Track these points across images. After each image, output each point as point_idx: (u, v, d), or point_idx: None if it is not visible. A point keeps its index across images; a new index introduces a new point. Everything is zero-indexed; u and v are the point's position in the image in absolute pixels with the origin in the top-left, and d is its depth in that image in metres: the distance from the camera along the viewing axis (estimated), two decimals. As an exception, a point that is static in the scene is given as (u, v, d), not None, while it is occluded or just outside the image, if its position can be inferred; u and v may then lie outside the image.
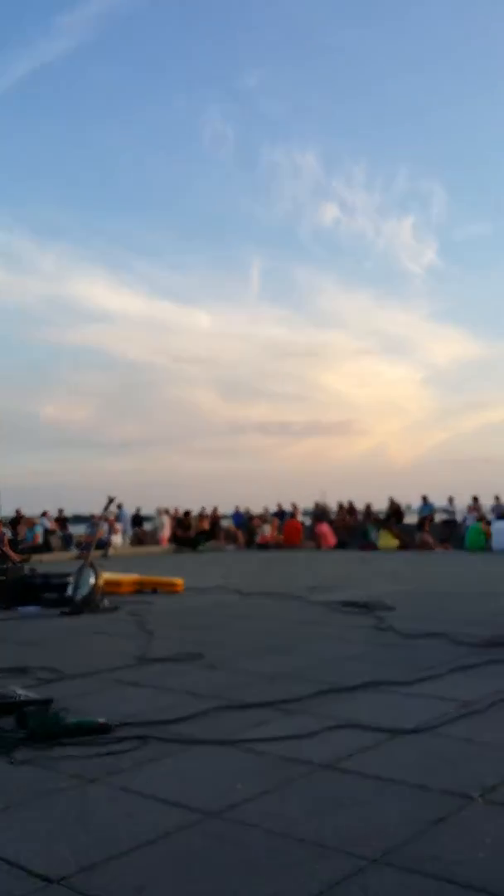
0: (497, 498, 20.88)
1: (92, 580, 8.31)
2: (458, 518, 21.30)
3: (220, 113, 63.65)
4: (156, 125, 58.84)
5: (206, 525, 22.63)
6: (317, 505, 24.05)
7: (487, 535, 18.35)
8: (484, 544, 18.18)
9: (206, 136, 61.73)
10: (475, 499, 20.83)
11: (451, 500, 22.11)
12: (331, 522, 21.83)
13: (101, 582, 8.49)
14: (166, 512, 22.84)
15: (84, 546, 12.81)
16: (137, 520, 23.58)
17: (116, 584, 9.66)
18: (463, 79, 62.04)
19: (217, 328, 68.64)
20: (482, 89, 63.09)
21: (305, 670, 4.98)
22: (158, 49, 55.94)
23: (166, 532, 22.09)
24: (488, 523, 18.97)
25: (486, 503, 20.98)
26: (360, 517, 22.24)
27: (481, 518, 19.62)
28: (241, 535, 22.34)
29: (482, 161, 67.28)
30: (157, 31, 55.09)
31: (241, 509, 24.30)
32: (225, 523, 23.87)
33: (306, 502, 24.63)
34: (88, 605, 8.15)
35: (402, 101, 61.99)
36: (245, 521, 23.42)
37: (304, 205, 68.76)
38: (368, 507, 22.71)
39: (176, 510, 23.36)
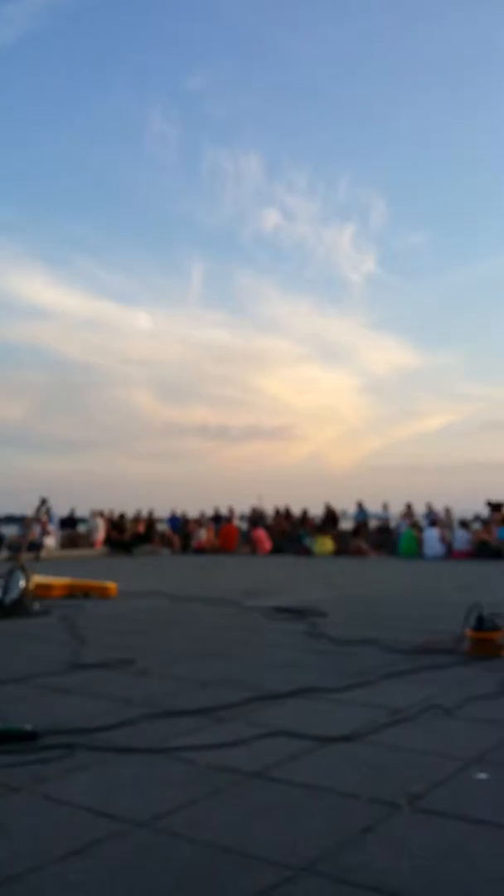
0: (429, 505, 21.26)
1: (22, 583, 8.15)
2: (392, 524, 21.63)
3: (164, 113, 63.54)
4: (98, 122, 58.29)
5: (141, 528, 22.46)
6: (253, 510, 24.12)
7: (420, 542, 18.66)
8: (416, 551, 18.49)
9: (149, 135, 61.36)
10: (408, 506, 21.18)
11: (385, 506, 22.44)
12: (267, 528, 21.91)
13: (31, 585, 8.34)
14: (101, 514, 22.60)
15: (15, 547, 12.58)
16: (71, 522, 23.28)
17: (48, 587, 9.50)
18: (403, 90, 63.13)
19: (157, 330, 68.23)
20: (422, 101, 64.29)
21: (238, 677, 4.97)
22: (103, 46, 55.44)
23: (100, 535, 21.85)
24: (421, 530, 19.29)
25: (420, 510, 21.38)
26: (296, 522, 22.39)
27: (414, 525, 19.95)
28: (176, 540, 22.25)
29: (420, 172, 68.58)
30: (102, 29, 54.65)
31: (178, 513, 24.22)
32: (161, 527, 23.75)
33: (243, 507, 24.72)
34: (18, 608, 7.99)
35: (345, 109, 62.81)
36: (181, 525, 23.34)
37: (246, 209, 69.02)
38: (305, 513, 22.89)
39: (111, 512, 23.14)
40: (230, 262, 69.49)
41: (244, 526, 23.20)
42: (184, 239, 67.38)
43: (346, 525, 22.48)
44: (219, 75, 57.73)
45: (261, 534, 21.07)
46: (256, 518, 23.22)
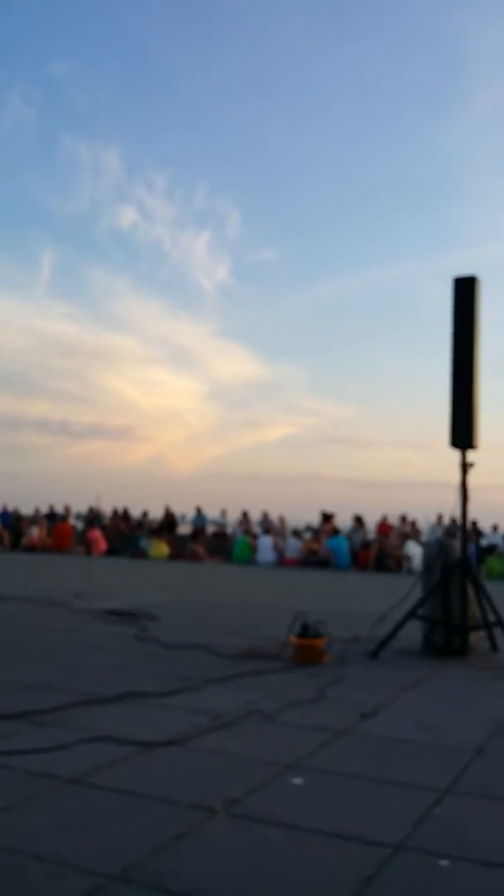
0: (265, 513, 21.72)
1: None
2: (229, 530, 21.91)
3: (23, 96, 61.13)
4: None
5: (-31, 524, 21.51)
6: (90, 509, 23.71)
7: (253, 549, 19.01)
8: (250, 557, 18.81)
9: (5, 117, 58.94)
10: (244, 513, 21.53)
11: (223, 512, 22.72)
12: (103, 528, 21.58)
13: None
14: None
15: None
16: None
17: None
18: (264, 108, 64.32)
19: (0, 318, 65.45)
20: (281, 120, 65.69)
21: (62, 680, 4.86)
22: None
23: None
24: (255, 537, 19.65)
25: (256, 518, 21.78)
26: (133, 524, 22.20)
27: (248, 532, 20.30)
28: (6, 537, 21.45)
29: (275, 190, 70.05)
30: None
31: (10, 509, 23.39)
32: (-9, 523, 22.83)
33: (80, 506, 24.22)
34: None
35: (207, 117, 63.11)
36: (12, 522, 22.55)
37: (102, 204, 67.81)
38: (144, 515, 22.75)
39: None
40: (83, 255, 67.93)
41: (80, 525, 22.73)
42: (34, 227, 65.21)
43: (185, 529, 22.54)
44: (85, 65, 56.46)
45: (96, 534, 20.70)
46: (93, 518, 22.83)
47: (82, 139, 62.71)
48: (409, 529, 19.31)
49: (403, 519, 19.86)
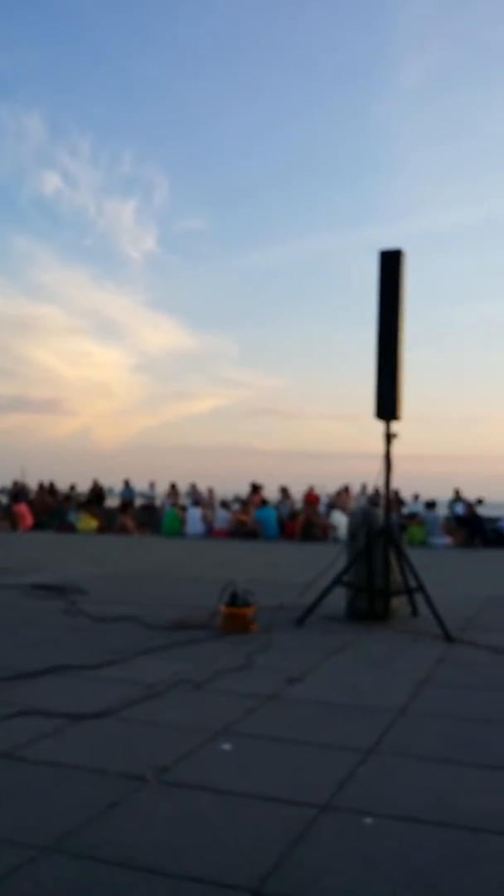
0: (193, 485, 21.76)
1: None
2: (158, 503, 21.89)
3: None
4: None
5: None
6: (15, 483, 23.32)
7: (182, 521, 19.04)
8: (178, 529, 18.84)
9: None
10: (172, 485, 21.54)
11: (151, 485, 22.67)
12: (29, 502, 21.26)
13: None
14: None
15: None
16: None
17: None
18: (196, 76, 63.20)
19: None
20: (214, 91, 64.74)
21: (-11, 656, 4.82)
22: None
23: None
24: (183, 509, 19.68)
25: (185, 490, 21.80)
26: (60, 498, 21.95)
27: (176, 504, 20.32)
28: None
29: (204, 159, 69.20)
30: None
31: None
32: None
33: (5, 480, 23.82)
34: None
35: (136, 83, 61.72)
36: None
37: (25, 169, 65.90)
38: (72, 488, 22.51)
39: None
40: (4, 221, 66.04)
41: (5, 500, 22.36)
42: (-48, 192, 62.82)
43: (113, 502, 22.42)
44: (6, 26, 54.36)
45: (22, 509, 20.39)
46: (18, 492, 22.47)
47: (4, 102, 60.63)
48: (346, 500, 19.62)
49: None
